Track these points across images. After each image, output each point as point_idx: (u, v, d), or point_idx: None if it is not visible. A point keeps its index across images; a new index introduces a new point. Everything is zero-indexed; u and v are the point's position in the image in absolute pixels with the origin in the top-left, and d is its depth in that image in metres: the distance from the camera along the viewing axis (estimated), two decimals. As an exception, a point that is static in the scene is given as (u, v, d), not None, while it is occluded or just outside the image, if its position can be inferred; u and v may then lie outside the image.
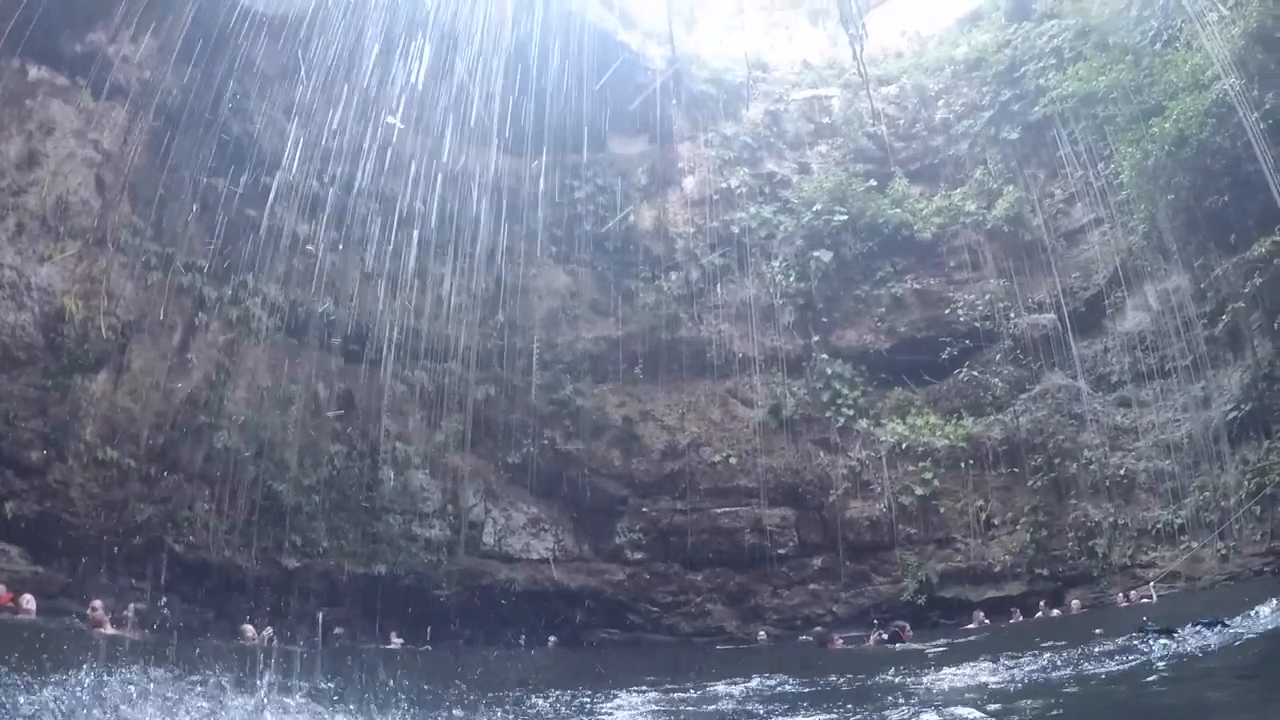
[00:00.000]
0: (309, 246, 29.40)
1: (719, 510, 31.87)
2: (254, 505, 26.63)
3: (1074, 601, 27.50)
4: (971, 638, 25.25)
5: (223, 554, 26.00)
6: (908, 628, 25.60)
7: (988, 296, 31.91)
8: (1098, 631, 18.28)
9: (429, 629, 28.58)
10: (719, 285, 34.19)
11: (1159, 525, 26.51)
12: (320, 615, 27.23)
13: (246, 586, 26.20)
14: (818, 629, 28.11)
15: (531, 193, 33.72)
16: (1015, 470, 29.87)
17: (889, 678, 16.00)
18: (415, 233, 31.37)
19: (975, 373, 31.52)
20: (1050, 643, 17.55)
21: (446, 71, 31.35)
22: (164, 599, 24.13)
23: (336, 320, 29.80)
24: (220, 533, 26.05)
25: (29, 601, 20.33)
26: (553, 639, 30.16)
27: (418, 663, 22.15)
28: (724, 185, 35.37)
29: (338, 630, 27.48)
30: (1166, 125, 25.87)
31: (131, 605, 22.83)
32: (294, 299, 29.23)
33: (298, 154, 28.83)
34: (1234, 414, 25.27)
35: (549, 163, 33.98)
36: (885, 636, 25.40)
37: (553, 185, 34.44)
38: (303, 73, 28.82)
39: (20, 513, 22.50)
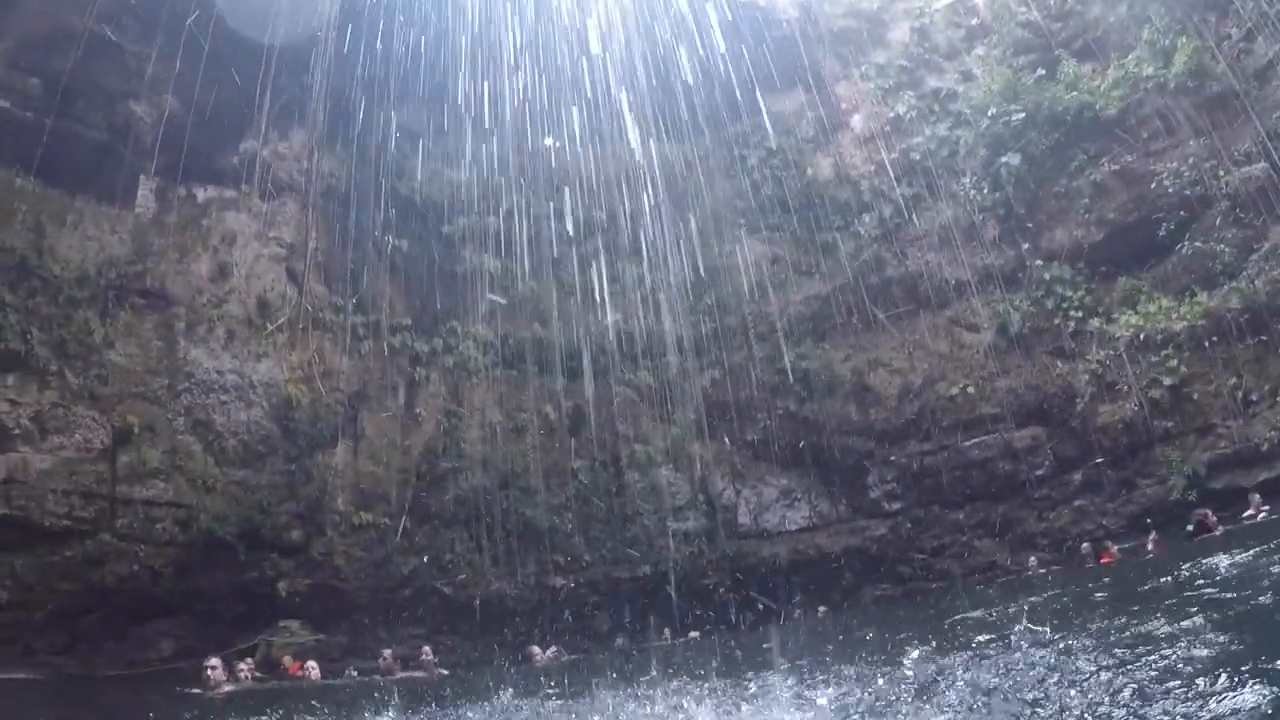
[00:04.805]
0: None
1: (967, 443, 30.86)
2: (510, 535, 27.40)
3: (1360, 464, 25.18)
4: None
5: (490, 587, 26.88)
6: (1210, 514, 24.07)
7: (1190, 160, 29.42)
8: None
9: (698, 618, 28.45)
10: (914, 216, 33.01)
11: None
12: (604, 624, 27.79)
13: (519, 613, 27.20)
14: (1086, 544, 27.54)
15: (706, 172, 33.67)
16: (1263, 338, 27.21)
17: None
18: (601, 240, 31.72)
19: (1198, 244, 29.02)
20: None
21: (589, 82, 31.57)
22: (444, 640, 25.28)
23: (549, 343, 30.33)
24: (484, 568, 26.99)
25: (313, 668, 21.92)
26: (822, 608, 29.58)
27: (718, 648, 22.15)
28: (891, 115, 34.15)
29: (619, 639, 27.88)
30: (1331, -79, 23.65)
31: (424, 648, 23.94)
32: (503, 333, 29.96)
33: (467, 196, 29.61)
34: None
35: (713, 140, 33.89)
36: (1190, 528, 23.98)
37: (722, 160, 34.39)
38: (450, 120, 29.54)
39: (293, 589, 24.06)
